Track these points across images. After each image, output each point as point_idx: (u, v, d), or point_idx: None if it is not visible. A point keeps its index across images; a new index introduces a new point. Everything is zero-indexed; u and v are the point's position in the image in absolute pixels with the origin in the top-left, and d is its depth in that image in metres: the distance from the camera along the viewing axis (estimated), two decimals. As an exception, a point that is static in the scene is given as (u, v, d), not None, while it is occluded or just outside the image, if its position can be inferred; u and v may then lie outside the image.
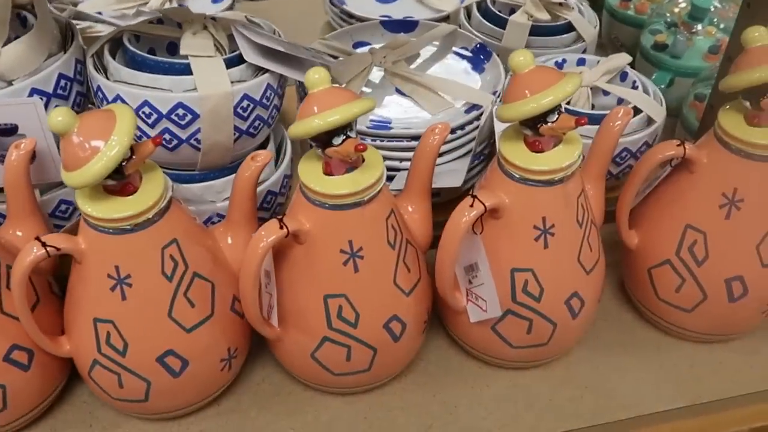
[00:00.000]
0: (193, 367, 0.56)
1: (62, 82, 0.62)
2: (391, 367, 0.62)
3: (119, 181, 0.50)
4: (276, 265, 0.56)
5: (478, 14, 0.92)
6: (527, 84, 0.51)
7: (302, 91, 0.75)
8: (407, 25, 0.85)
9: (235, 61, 0.61)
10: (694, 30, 0.90)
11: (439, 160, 0.71)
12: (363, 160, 0.53)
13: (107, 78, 0.61)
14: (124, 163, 0.48)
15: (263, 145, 0.69)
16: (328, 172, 0.52)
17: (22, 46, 0.58)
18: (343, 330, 0.55)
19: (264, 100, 0.62)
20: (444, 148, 0.71)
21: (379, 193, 0.53)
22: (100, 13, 0.81)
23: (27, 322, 0.53)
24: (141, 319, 0.53)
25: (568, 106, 0.74)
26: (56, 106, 0.61)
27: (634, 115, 0.74)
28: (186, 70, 0.60)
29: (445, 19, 0.99)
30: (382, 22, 0.85)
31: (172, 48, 0.68)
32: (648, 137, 0.74)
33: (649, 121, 0.75)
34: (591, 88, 0.78)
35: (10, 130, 0.59)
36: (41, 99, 0.60)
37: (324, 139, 0.50)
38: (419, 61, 0.81)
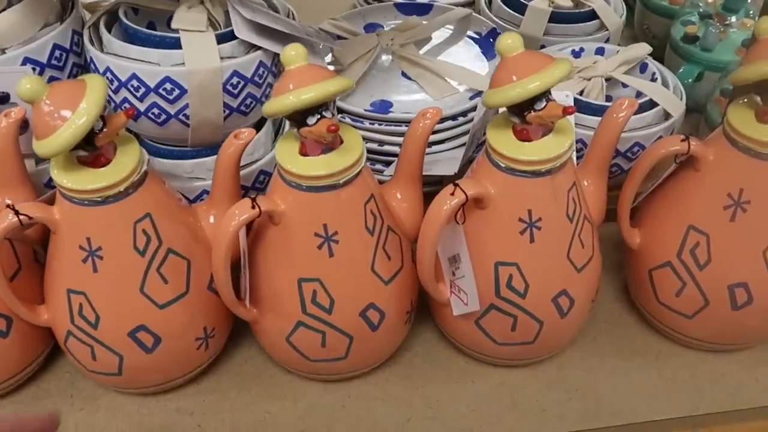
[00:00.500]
0: (167, 344, 0.55)
1: (57, 53, 0.61)
2: (370, 357, 0.60)
3: (91, 152, 0.49)
4: (254, 246, 0.55)
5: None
6: (514, 68, 0.49)
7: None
8: (421, 8, 0.82)
9: (228, 36, 0.60)
10: (727, 22, 0.86)
11: (439, 148, 0.70)
12: (341, 142, 0.51)
13: (101, 50, 0.61)
14: (97, 134, 0.48)
15: (259, 125, 0.68)
16: (303, 152, 0.51)
17: (15, 15, 0.59)
18: (318, 315, 0.54)
19: (256, 78, 0.61)
20: (445, 135, 0.70)
21: (356, 177, 0.51)
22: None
23: (2, 289, 0.53)
24: (112, 292, 0.53)
25: (579, 97, 0.70)
26: (51, 76, 0.61)
27: (651, 108, 0.70)
28: (177, 44, 0.59)
29: (469, 4, 0.96)
30: (396, 4, 0.83)
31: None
32: (663, 132, 0.70)
33: (667, 115, 0.71)
34: (607, 80, 0.75)
35: (2, 99, 0.59)
36: (35, 69, 0.60)
37: (299, 119, 0.49)
38: (431, 45, 0.79)
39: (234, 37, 0.60)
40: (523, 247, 0.53)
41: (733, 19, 0.85)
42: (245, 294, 0.55)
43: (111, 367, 0.56)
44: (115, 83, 0.59)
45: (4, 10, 0.59)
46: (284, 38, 0.63)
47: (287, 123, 0.70)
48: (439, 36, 0.80)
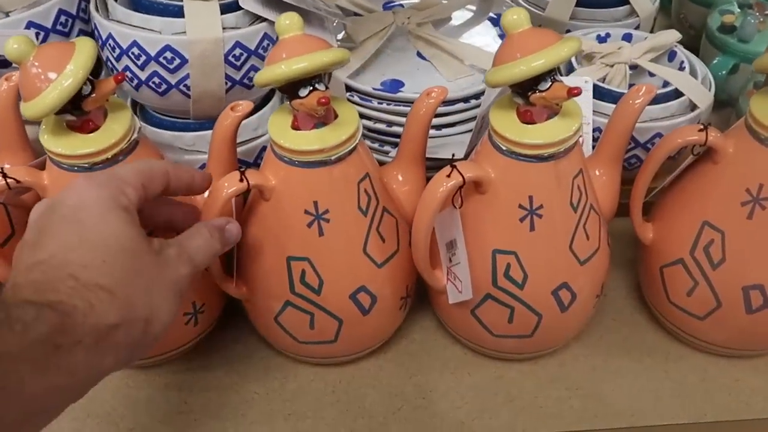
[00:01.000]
0: (154, 317, 0.54)
1: (62, 18, 0.61)
2: (361, 342, 0.58)
3: (79, 116, 0.48)
4: (247, 222, 0.53)
5: (526, -19, 0.85)
6: (519, 46, 0.46)
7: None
8: (443, -13, 0.80)
9: (233, 7, 0.59)
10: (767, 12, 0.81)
11: (451, 131, 0.68)
12: (336, 117, 0.49)
13: (107, 17, 0.60)
14: (85, 98, 0.47)
15: (267, 99, 0.66)
16: (295, 126, 0.49)
17: (20, -23, 0.58)
18: (306, 296, 0.52)
19: (260, 51, 0.59)
20: (457, 117, 0.67)
21: (350, 154, 0.49)
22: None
23: (-9, 254, 0.53)
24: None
25: (600, 84, 0.67)
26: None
27: (676, 98, 0.67)
28: (180, 12, 0.58)
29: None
30: (418, -18, 0.80)
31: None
32: (687, 123, 0.66)
33: (693, 107, 0.67)
34: (634, 68, 0.71)
35: (3, 63, 0.59)
36: (39, 34, 0.60)
37: (291, 90, 0.47)
38: (450, 25, 0.76)
39: (239, 8, 0.59)
40: (523, 235, 0.51)
41: (774, 9, 0.81)
42: (234, 270, 0.54)
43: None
44: (117, 51, 0.58)
45: (9, -27, 0.59)
46: (291, 11, 0.61)
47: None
48: (459, 17, 0.77)
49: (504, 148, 0.49)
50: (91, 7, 0.61)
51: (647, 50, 0.70)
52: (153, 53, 0.57)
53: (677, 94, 0.67)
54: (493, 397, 0.59)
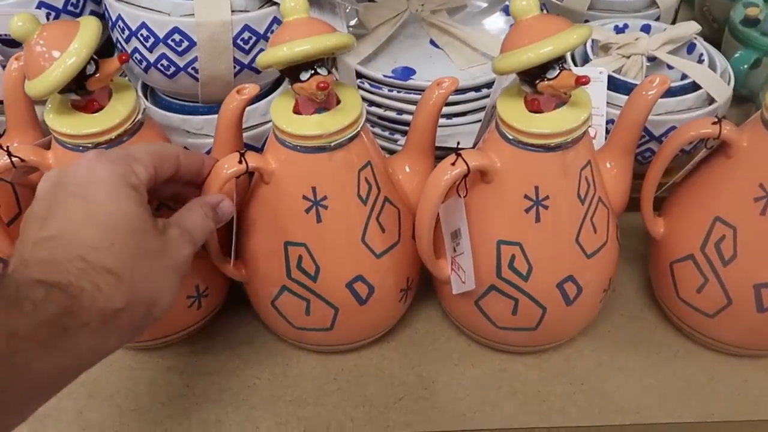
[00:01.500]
0: (156, 299, 0.54)
1: (74, -1, 0.61)
2: (358, 331, 0.58)
3: (83, 96, 0.48)
4: (248, 205, 0.53)
5: (545, -29, 0.84)
6: (528, 32, 0.45)
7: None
8: (459, -25, 0.79)
9: (243, -11, 0.58)
10: (793, 5, 0.79)
11: (462, 120, 0.67)
12: (338, 102, 0.49)
13: (117, -2, 0.60)
14: (89, 77, 0.47)
15: (277, 84, 0.66)
16: (297, 111, 0.48)
17: (31, -43, 0.58)
18: (302, 282, 0.52)
19: (269, 34, 0.59)
20: (468, 107, 0.66)
21: (351, 141, 0.48)
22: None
23: (-4, 231, 0.53)
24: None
25: (615, 75, 0.66)
26: (66, 22, 0.61)
27: (693, 91, 0.65)
28: (190, -6, 0.57)
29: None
30: (434, -31, 0.79)
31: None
32: (704, 117, 0.65)
33: (711, 100, 0.66)
34: (652, 60, 0.70)
35: (13, 42, 0.59)
36: (50, 14, 0.60)
37: (292, 74, 0.46)
38: (466, 12, 0.75)
39: (248, -9, 0.58)
40: (528, 226, 0.50)
41: (800, 2, 0.79)
42: (233, 251, 0.54)
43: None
44: (126, 32, 0.58)
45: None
46: (302, -5, 0.60)
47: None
48: (474, 5, 0.76)
49: (510, 137, 0.48)
50: (102, -13, 0.61)
51: (665, 42, 0.69)
52: (161, 35, 0.57)
53: (695, 87, 0.65)
54: (495, 390, 0.58)
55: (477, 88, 0.65)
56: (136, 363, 0.60)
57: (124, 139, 0.49)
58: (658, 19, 0.79)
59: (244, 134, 0.61)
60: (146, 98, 0.66)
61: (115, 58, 0.48)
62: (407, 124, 0.66)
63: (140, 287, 0.39)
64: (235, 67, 0.59)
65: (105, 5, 0.60)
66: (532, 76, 0.46)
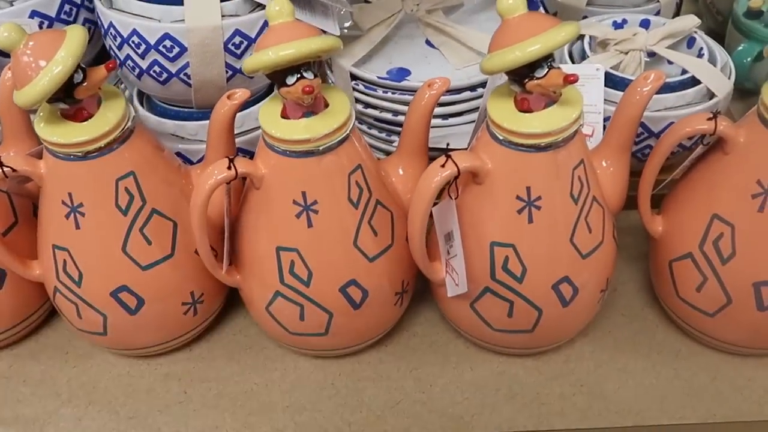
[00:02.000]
0: (151, 306, 0.54)
1: (67, 7, 0.61)
2: (353, 336, 0.57)
3: (72, 105, 0.48)
4: (241, 210, 0.53)
5: (544, -33, 0.83)
6: (515, 31, 0.45)
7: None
8: (455, -26, 0.78)
9: (234, -6, 0.58)
10: (797, -4, 0.78)
11: (458, 120, 0.66)
12: (326, 106, 0.48)
13: (110, 6, 0.60)
14: (77, 86, 0.47)
15: (270, 89, 0.66)
16: (285, 115, 0.48)
17: (23, -33, 0.58)
18: (295, 287, 0.52)
19: (261, 39, 0.59)
20: (463, 107, 0.66)
21: (341, 144, 0.48)
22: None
23: (-9, 241, 0.53)
24: (93, 249, 0.52)
25: (613, 71, 0.65)
26: (60, 31, 0.61)
27: (693, 86, 0.64)
28: (179, 0, 0.57)
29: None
30: (429, -31, 0.79)
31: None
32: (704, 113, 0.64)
33: (711, 95, 0.65)
34: (652, 55, 0.69)
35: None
36: (43, 23, 0.60)
37: (279, 78, 0.46)
38: (462, 11, 0.75)
39: (239, -5, 0.58)
40: (521, 227, 0.49)
41: (804, -7, 0.77)
42: (226, 257, 0.53)
43: (96, 326, 0.55)
44: (118, 40, 0.58)
45: (14, -37, 0.59)
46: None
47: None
48: (470, 4, 0.75)
49: (501, 137, 0.48)
50: (94, -5, 0.61)
51: (664, 36, 0.68)
52: (152, 42, 0.57)
53: (694, 82, 0.65)
54: (494, 393, 0.57)
55: (473, 88, 0.64)
56: (135, 371, 0.60)
57: (114, 146, 0.49)
58: (658, 13, 0.78)
59: (240, 139, 0.61)
60: (142, 105, 0.66)
61: (103, 66, 0.48)
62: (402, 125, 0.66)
63: None
64: (227, 71, 0.59)
65: (98, 13, 0.60)
66: (520, 75, 0.46)
